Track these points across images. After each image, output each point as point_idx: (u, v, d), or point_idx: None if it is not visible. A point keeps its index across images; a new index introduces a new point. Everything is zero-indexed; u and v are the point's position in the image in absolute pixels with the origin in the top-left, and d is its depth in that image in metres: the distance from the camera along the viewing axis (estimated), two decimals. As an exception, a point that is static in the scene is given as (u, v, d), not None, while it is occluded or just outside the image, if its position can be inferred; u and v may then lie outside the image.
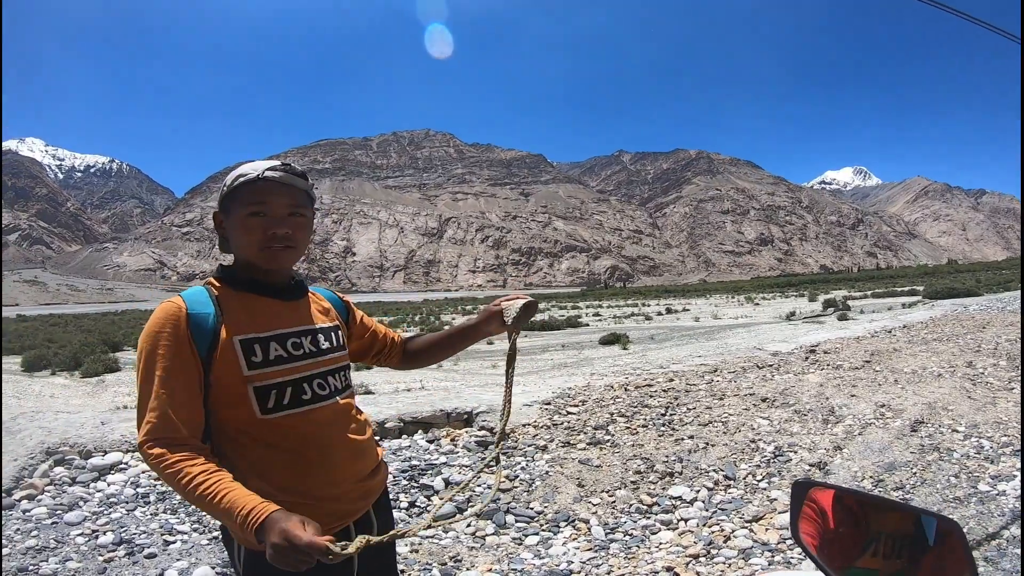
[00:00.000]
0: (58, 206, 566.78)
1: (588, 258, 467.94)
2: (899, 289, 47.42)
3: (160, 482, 4.77)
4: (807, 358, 9.70)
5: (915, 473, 5.56)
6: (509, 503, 4.52)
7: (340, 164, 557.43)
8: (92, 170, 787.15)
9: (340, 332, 1.86)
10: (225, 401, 1.60)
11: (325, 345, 1.75)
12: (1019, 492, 5.28)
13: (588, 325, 32.54)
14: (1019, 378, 8.64)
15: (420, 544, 4.02)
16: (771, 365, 9.05)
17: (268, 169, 1.66)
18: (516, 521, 4.32)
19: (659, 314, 39.36)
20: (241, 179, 1.66)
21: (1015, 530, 4.64)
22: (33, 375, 19.94)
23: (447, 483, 4.71)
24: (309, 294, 1.86)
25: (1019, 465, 5.89)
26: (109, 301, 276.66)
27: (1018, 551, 3.97)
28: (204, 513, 1.49)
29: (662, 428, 5.65)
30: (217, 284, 1.70)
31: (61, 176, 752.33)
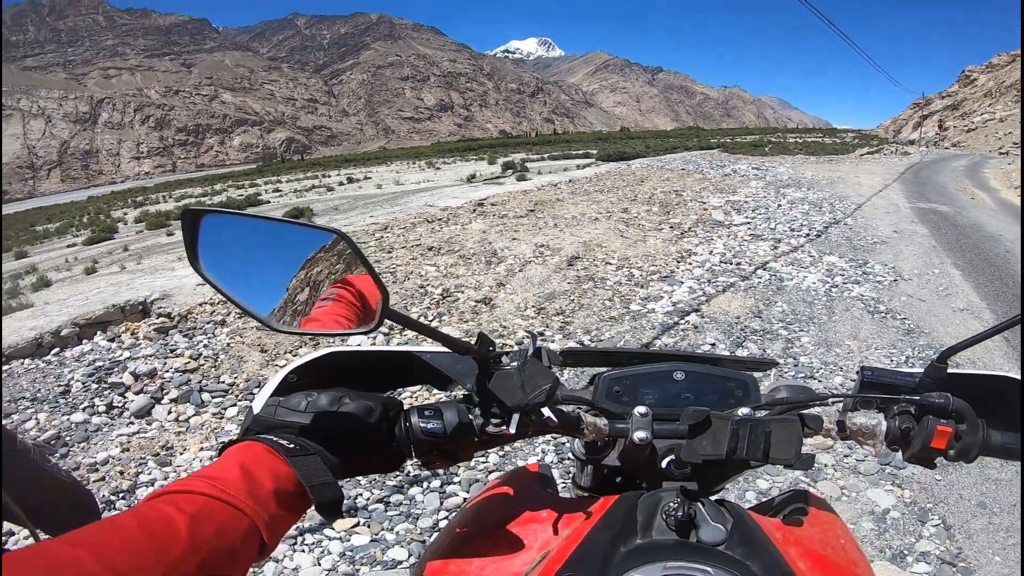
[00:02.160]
0: None
1: (261, 132, 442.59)
2: (575, 152, 50.06)
3: None
4: (475, 210, 10.65)
5: (573, 300, 6.64)
6: (200, 381, 4.67)
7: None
8: None
9: None
10: None
11: None
12: (669, 309, 6.58)
13: (269, 202, 31.43)
14: (666, 223, 10.40)
15: (130, 441, 4.08)
16: (440, 219, 9.82)
17: None
18: (213, 398, 4.49)
19: (341, 184, 38.84)
20: None
21: (666, 339, 5.81)
22: None
23: (136, 376, 4.73)
24: None
25: (666, 288, 7.28)
26: None
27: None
28: None
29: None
30: None
31: None
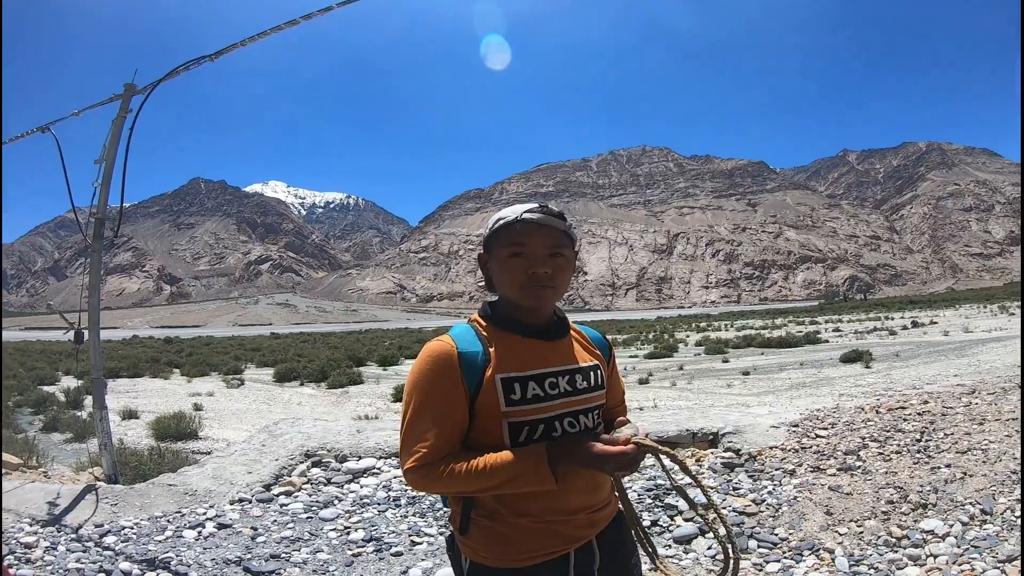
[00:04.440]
0: (304, 238, 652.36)
1: (824, 269, 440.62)
2: None
3: (409, 488, 5.17)
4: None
5: None
6: (753, 528, 4.46)
7: (563, 186, 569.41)
8: (331, 206, 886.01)
9: (600, 371, 1.87)
10: (478, 430, 1.69)
11: (582, 385, 1.78)
12: None
13: (828, 341, 30.97)
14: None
15: (663, 563, 4.10)
16: (1038, 385, 8.12)
17: (526, 211, 1.73)
18: (759, 547, 4.23)
19: (904, 328, 36.40)
20: (501, 222, 1.75)
21: None
22: (283, 385, 22.59)
23: (691, 504, 4.73)
24: (571, 331, 1.89)
25: None
26: (354, 321, 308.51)
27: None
28: (487, 489, 1.61)
29: (917, 455, 5.18)
30: (483, 323, 1.80)
31: (304, 212, 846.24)
